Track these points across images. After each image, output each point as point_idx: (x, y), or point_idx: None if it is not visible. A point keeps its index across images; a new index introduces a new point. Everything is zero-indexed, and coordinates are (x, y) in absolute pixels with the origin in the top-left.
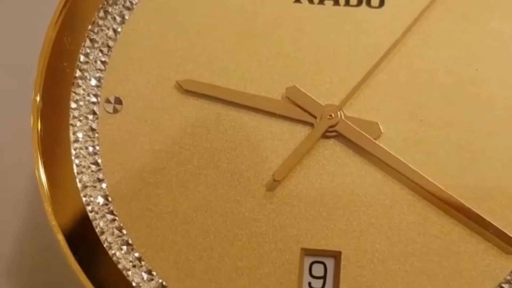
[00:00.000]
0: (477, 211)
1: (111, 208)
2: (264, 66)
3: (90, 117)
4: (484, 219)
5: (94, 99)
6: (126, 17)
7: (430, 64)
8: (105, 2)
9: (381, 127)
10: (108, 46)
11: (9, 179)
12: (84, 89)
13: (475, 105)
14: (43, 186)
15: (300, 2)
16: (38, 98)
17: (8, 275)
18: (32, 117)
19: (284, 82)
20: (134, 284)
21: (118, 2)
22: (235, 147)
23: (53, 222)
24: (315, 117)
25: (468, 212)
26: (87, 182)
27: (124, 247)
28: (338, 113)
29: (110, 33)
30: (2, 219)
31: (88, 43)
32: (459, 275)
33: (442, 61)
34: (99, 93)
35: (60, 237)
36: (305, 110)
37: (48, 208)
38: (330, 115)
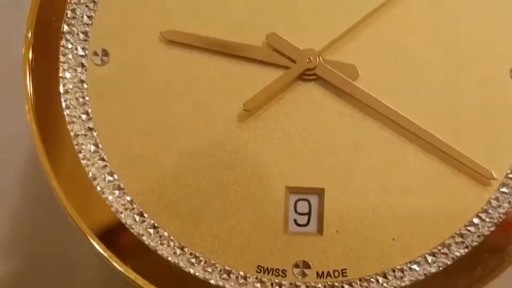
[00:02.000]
0: (454, 146)
1: (102, 154)
2: (245, 14)
3: (79, 69)
4: (462, 154)
5: (82, 52)
6: None
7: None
8: None
9: (358, 69)
10: (94, 2)
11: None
12: (72, 43)
13: (451, 45)
14: (37, 136)
15: None
16: (30, 55)
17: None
18: (23, 70)
19: (265, 30)
20: (127, 225)
21: None
22: (220, 95)
23: (48, 169)
24: (295, 62)
25: (446, 147)
26: (78, 131)
27: (116, 191)
28: (317, 57)
29: None
30: None
31: None
32: (439, 208)
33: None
34: (86, 46)
35: (55, 183)
36: (285, 55)
37: (42, 157)
38: (309, 59)
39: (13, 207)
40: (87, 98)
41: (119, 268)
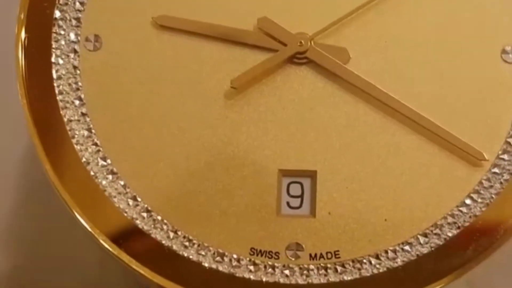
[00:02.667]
0: (446, 128)
1: (95, 140)
2: None
3: (72, 55)
4: (453, 135)
5: (74, 38)
6: None
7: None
8: None
9: (349, 53)
10: None
11: None
12: (64, 29)
13: (441, 27)
14: (30, 122)
15: None
16: (23, 35)
17: None
18: (15, 50)
19: (257, 14)
20: (120, 210)
21: None
22: (212, 79)
23: (41, 154)
24: (286, 46)
25: (437, 129)
26: (71, 117)
27: (109, 176)
28: (309, 41)
29: None
30: None
31: None
32: (431, 189)
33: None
34: (79, 32)
35: (48, 167)
36: (276, 39)
37: (36, 142)
38: (301, 42)
39: (10, 196)
40: (80, 84)
41: (113, 251)
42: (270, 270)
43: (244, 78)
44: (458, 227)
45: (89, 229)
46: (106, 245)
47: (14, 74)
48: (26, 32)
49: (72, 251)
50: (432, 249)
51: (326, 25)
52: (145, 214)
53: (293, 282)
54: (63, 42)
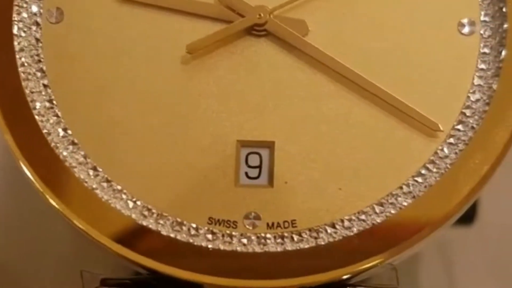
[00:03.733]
0: (401, 99)
1: (56, 111)
2: None
3: (34, 28)
4: (408, 106)
5: (36, 11)
6: None
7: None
8: None
9: (308, 25)
10: None
11: None
12: (26, 2)
13: (401, 1)
14: None
15: None
16: None
17: None
18: None
19: None
20: (80, 180)
21: None
22: (172, 51)
23: (1, 124)
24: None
25: (393, 100)
26: (33, 88)
27: (70, 147)
28: (268, 14)
29: None
30: None
31: None
32: (387, 160)
33: None
34: (41, 4)
35: (8, 137)
36: (235, 11)
37: None
38: (259, 15)
39: None
40: (42, 56)
41: (72, 220)
42: (227, 239)
43: (200, 44)
44: (413, 197)
45: (49, 200)
46: (65, 214)
47: None
48: None
49: (46, 230)
50: (387, 218)
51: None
52: (105, 184)
53: (250, 250)
54: (25, 15)
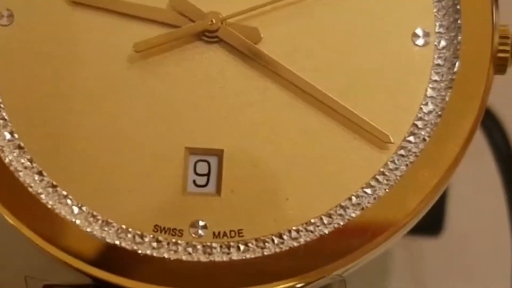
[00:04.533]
0: (353, 110)
1: (3, 114)
2: None
3: None
4: (359, 117)
5: None
6: None
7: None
8: None
9: (261, 33)
10: None
11: None
12: None
13: (353, 9)
14: None
15: None
16: None
17: None
18: None
19: None
20: (25, 184)
21: None
22: (124, 56)
23: None
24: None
25: (344, 110)
26: None
27: (16, 151)
28: (220, 21)
29: None
30: None
31: None
32: (337, 170)
33: None
34: None
35: None
36: (188, 18)
37: None
38: (211, 21)
39: None
40: None
41: (15, 225)
42: (173, 247)
43: (147, 44)
44: (362, 208)
45: None
46: (9, 220)
47: None
48: None
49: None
50: (334, 229)
51: (243, 9)
52: (50, 189)
53: (195, 259)
54: None
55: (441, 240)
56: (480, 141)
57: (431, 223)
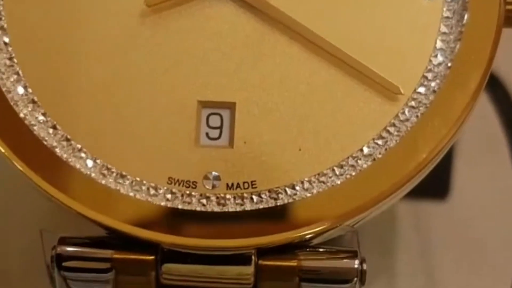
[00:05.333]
0: (362, 61)
1: (17, 69)
2: None
3: None
4: (369, 68)
5: None
6: None
7: None
8: None
9: None
10: None
11: None
12: None
13: None
14: None
15: None
16: None
17: None
18: None
19: None
20: (40, 138)
21: None
22: (133, 7)
23: None
24: None
25: (354, 62)
26: None
27: (30, 105)
28: None
29: None
30: None
31: None
32: (348, 122)
33: None
34: None
35: None
36: None
37: None
38: None
39: None
40: (2, 14)
41: (31, 177)
42: (187, 199)
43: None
44: (373, 159)
45: (8, 157)
46: (24, 171)
47: None
48: None
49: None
50: (346, 180)
51: None
52: (64, 143)
53: (209, 210)
54: None
55: (447, 205)
56: (486, 106)
57: (438, 185)
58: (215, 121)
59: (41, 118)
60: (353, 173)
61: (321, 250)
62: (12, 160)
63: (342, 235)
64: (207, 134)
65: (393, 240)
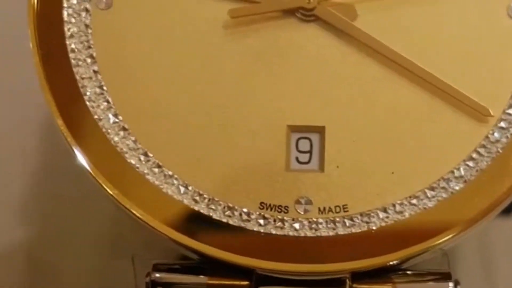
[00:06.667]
0: (451, 83)
1: (107, 97)
2: None
3: (83, 14)
4: (458, 91)
5: None
6: None
7: None
8: None
9: (357, 10)
10: None
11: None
12: None
13: None
14: (42, 79)
15: None
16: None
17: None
18: (28, 17)
19: None
20: (132, 165)
21: None
22: (221, 35)
23: (53, 109)
24: None
25: (442, 84)
26: (84, 74)
27: (121, 132)
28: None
29: None
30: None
31: None
32: (438, 144)
33: None
34: None
35: (60, 122)
36: None
37: (48, 97)
38: (308, 0)
39: (26, 169)
40: (91, 42)
41: (125, 205)
42: (279, 223)
43: (243, 11)
44: (465, 181)
45: (102, 184)
46: (117, 199)
47: (27, 35)
48: None
49: (86, 220)
50: (438, 202)
51: None
52: (156, 170)
53: (302, 235)
54: (74, 1)
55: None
56: None
57: None
58: (304, 145)
59: (132, 145)
60: (445, 195)
61: (413, 272)
62: (106, 187)
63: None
64: (297, 158)
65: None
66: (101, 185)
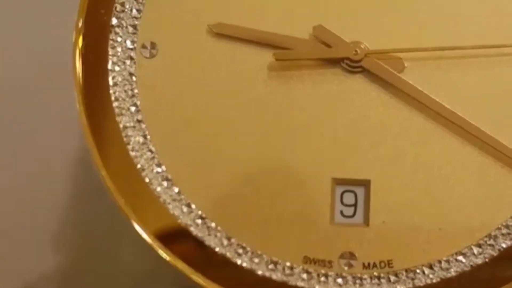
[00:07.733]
0: (498, 139)
1: (150, 146)
2: (292, 5)
3: (128, 62)
4: (506, 146)
5: (130, 45)
6: None
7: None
8: None
9: (404, 62)
10: None
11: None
12: (121, 36)
13: (492, 37)
14: (87, 128)
15: None
16: (80, 42)
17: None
18: (72, 57)
19: (313, 22)
20: (174, 216)
21: None
22: (267, 88)
23: (97, 160)
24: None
25: (490, 139)
26: (127, 123)
27: (164, 183)
28: (363, 49)
29: None
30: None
31: None
32: (485, 199)
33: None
34: (135, 39)
35: (104, 173)
36: (331, 47)
37: (91, 147)
38: (355, 51)
39: (63, 203)
40: (135, 91)
41: (166, 257)
42: (323, 278)
43: (288, 55)
44: None
45: (145, 236)
46: (161, 252)
47: (71, 81)
48: (83, 39)
49: (121, 258)
50: (486, 260)
51: (385, 40)
52: (199, 221)
53: None
54: (119, 49)
55: None
56: None
57: None
58: (349, 198)
59: (175, 196)
60: (492, 253)
61: None
62: (146, 237)
63: None
64: (341, 211)
65: None
66: (145, 239)
